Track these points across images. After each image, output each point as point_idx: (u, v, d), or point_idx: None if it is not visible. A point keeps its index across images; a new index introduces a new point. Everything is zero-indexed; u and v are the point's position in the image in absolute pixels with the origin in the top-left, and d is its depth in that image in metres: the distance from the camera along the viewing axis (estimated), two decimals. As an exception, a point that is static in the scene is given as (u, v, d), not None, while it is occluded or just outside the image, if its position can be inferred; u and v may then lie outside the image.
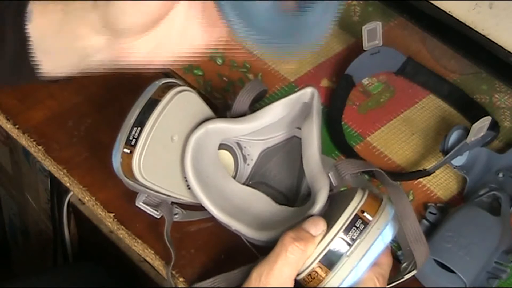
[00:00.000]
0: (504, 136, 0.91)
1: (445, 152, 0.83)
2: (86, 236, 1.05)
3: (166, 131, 0.72)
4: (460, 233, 0.77)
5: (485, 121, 0.82)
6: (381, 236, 0.64)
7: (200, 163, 0.74)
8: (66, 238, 1.04)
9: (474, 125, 0.80)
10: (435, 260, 0.76)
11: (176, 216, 0.78)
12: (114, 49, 0.63)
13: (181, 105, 0.73)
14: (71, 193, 0.98)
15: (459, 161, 0.85)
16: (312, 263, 0.64)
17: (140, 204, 0.76)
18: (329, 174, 0.70)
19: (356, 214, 0.64)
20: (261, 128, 0.76)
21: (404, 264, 0.70)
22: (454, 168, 0.85)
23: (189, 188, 0.74)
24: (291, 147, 0.79)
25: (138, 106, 0.72)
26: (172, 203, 0.77)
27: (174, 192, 0.74)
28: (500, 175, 0.84)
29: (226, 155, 0.79)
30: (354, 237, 0.64)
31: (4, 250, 1.46)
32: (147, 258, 0.80)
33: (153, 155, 0.71)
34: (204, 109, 0.76)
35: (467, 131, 0.81)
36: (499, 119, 0.92)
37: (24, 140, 0.88)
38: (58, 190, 1.02)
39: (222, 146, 0.78)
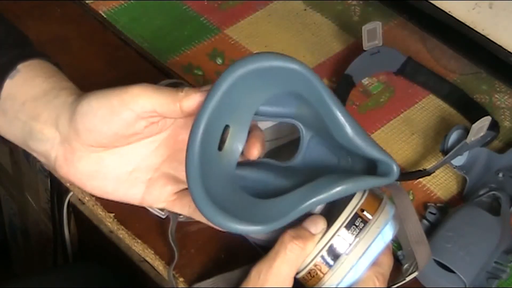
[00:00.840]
0: (504, 136, 0.91)
1: (445, 152, 0.83)
2: (86, 236, 1.05)
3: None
4: (460, 233, 0.77)
5: (485, 121, 0.82)
6: (380, 235, 0.64)
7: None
8: (66, 238, 1.04)
9: (474, 125, 0.80)
10: (435, 260, 0.75)
11: (182, 215, 0.78)
12: (59, 148, 0.64)
13: None
14: (71, 193, 0.98)
15: (459, 161, 0.85)
16: (311, 261, 0.64)
17: None
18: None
19: (356, 213, 0.64)
20: (264, 129, 0.76)
21: (406, 266, 0.70)
22: (454, 168, 0.85)
23: None
24: (294, 149, 0.79)
25: None
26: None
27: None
28: (500, 175, 0.84)
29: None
30: (354, 236, 0.64)
31: (4, 250, 1.45)
32: (147, 258, 0.80)
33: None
34: None
35: (467, 131, 0.81)
36: (499, 119, 0.92)
37: (24, 140, 0.88)
38: (58, 190, 1.02)
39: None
